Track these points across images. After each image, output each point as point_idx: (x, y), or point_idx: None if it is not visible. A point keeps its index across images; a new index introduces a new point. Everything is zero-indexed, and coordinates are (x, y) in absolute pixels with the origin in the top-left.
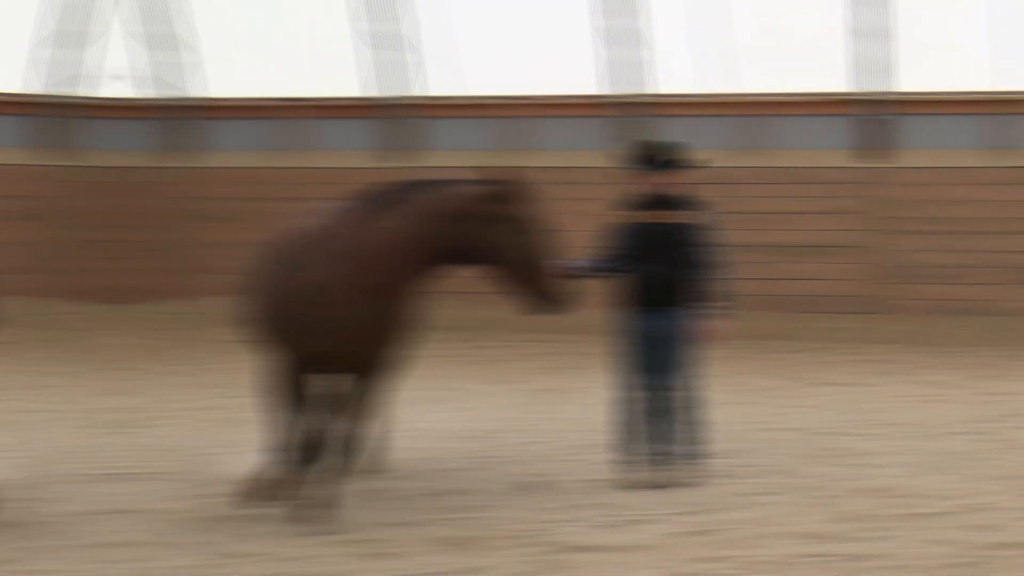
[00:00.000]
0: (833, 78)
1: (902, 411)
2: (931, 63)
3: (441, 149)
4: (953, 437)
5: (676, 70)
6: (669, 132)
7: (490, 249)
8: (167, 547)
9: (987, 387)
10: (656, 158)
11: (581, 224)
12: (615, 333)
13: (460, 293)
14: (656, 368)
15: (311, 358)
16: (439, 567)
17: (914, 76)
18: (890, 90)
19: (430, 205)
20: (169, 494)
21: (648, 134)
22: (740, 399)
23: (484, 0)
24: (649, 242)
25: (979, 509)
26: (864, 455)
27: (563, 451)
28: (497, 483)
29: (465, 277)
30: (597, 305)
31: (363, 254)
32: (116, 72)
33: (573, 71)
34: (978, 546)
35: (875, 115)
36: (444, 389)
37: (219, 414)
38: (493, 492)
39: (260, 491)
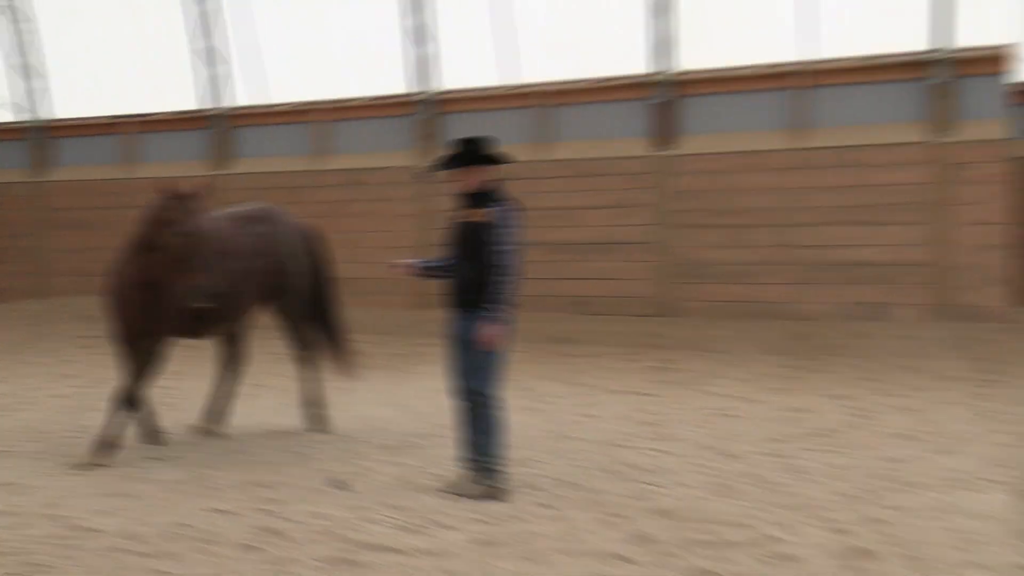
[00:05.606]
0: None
1: (694, 426)
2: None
3: (261, 156)
4: (747, 457)
5: (465, 65)
6: (463, 128)
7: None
8: None
9: (782, 402)
10: (463, 154)
11: (390, 224)
12: (442, 336)
13: None
14: (465, 373)
15: None
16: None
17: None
18: (678, 69)
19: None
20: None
21: (453, 131)
22: (533, 406)
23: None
24: (460, 241)
25: (766, 542)
26: (657, 472)
27: (376, 451)
28: (308, 478)
29: None
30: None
31: None
32: None
33: (381, 71)
34: None
35: (664, 97)
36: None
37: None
38: (303, 487)
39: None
